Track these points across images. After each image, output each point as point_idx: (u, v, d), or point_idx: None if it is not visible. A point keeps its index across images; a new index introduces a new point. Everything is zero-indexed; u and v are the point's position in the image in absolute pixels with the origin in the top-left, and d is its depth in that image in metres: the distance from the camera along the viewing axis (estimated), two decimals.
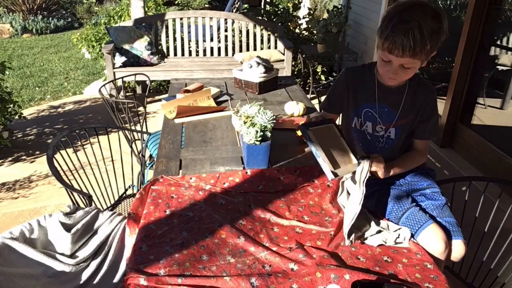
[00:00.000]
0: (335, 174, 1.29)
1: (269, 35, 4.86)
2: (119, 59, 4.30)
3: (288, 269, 1.20)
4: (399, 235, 1.33)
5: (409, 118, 1.49)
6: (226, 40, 5.03)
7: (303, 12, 6.92)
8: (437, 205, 1.49)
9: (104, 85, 2.91)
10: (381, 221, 1.41)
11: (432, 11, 1.24)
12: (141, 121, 2.91)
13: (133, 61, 4.37)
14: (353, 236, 1.30)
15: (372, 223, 1.36)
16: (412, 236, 1.36)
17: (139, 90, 5.14)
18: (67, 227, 1.48)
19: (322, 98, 2.03)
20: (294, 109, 2.26)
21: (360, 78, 1.53)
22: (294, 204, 1.53)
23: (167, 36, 4.81)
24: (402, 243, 1.33)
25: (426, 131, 1.52)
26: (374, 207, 1.52)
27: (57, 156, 1.88)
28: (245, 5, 6.35)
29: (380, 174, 1.38)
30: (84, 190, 1.90)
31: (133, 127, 2.75)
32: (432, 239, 1.33)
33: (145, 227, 1.39)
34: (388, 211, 1.45)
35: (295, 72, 5.17)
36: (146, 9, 5.07)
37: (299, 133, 1.91)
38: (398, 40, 1.22)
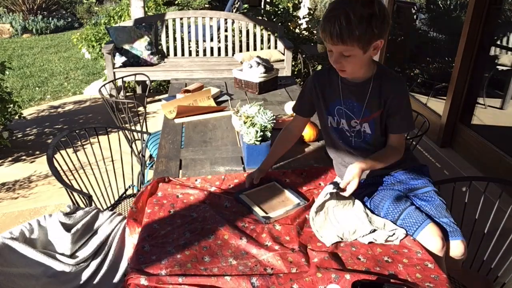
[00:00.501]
0: (268, 218, 1.42)
1: (269, 35, 4.86)
2: (119, 59, 4.30)
3: (290, 271, 1.20)
4: (393, 234, 1.33)
5: (379, 112, 1.48)
6: (226, 40, 5.03)
7: (303, 12, 6.92)
8: (431, 206, 1.48)
9: (104, 85, 2.91)
10: (377, 219, 1.40)
11: None
12: (141, 121, 2.91)
13: (133, 61, 4.37)
14: (332, 238, 1.31)
15: (367, 221, 1.36)
16: (406, 235, 1.36)
17: (139, 90, 5.14)
18: (67, 227, 1.48)
19: None
20: None
21: (327, 78, 1.55)
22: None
23: (167, 36, 4.81)
24: (392, 242, 1.33)
25: (395, 125, 1.49)
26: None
27: (57, 156, 1.88)
28: (245, 5, 6.35)
29: (355, 183, 1.36)
30: (84, 190, 1.90)
31: (133, 127, 2.75)
32: (430, 237, 1.33)
33: (148, 226, 1.38)
34: (384, 213, 1.44)
35: (295, 72, 5.17)
36: (146, 9, 5.07)
37: None
38: (327, 28, 1.29)
